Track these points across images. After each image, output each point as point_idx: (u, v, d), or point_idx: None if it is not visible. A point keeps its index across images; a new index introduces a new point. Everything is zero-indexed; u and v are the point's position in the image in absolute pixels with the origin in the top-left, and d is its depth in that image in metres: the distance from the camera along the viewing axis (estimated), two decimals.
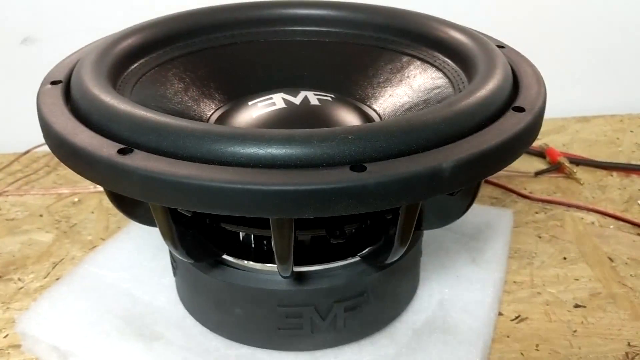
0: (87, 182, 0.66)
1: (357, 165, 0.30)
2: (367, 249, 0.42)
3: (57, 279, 0.52)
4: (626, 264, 0.53)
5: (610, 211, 0.60)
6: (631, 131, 0.77)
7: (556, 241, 0.57)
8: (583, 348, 0.45)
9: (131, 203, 0.41)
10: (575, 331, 0.46)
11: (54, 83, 0.40)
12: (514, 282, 0.51)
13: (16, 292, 0.51)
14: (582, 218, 0.60)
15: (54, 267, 0.54)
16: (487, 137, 0.33)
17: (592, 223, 0.59)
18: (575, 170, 0.66)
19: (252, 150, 0.31)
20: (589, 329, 0.46)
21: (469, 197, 0.40)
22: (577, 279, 0.52)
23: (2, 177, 0.67)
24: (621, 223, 0.59)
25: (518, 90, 0.39)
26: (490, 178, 0.65)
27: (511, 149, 0.34)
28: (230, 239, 0.42)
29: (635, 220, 0.59)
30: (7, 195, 0.64)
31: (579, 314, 0.48)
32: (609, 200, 0.63)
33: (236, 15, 0.50)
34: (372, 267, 0.42)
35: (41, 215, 0.61)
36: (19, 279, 0.52)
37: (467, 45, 0.44)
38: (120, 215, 0.59)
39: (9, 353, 0.45)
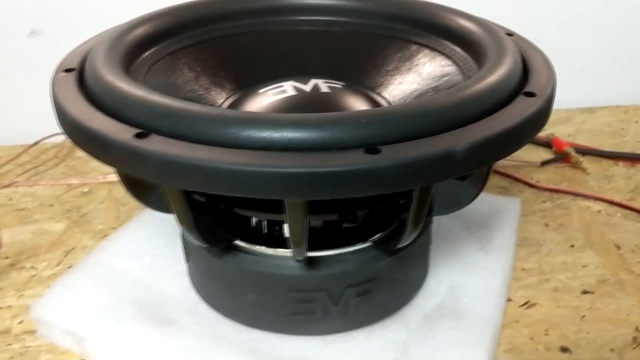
0: (96, 173, 0.66)
1: (370, 148, 0.31)
2: (378, 234, 0.42)
3: (70, 267, 0.52)
4: (633, 251, 0.54)
5: (617, 200, 0.60)
6: (636, 122, 0.77)
7: (563, 229, 0.57)
8: (592, 333, 0.45)
9: (145, 189, 0.42)
10: (583, 316, 0.47)
11: (67, 71, 0.41)
12: (522, 269, 0.52)
13: (29, 279, 0.51)
14: (589, 207, 0.60)
15: (65, 256, 0.54)
16: (500, 121, 0.34)
17: (599, 212, 0.60)
18: (581, 160, 0.66)
19: (266, 134, 0.31)
20: (597, 315, 0.47)
21: (479, 183, 0.40)
22: (585, 266, 0.52)
23: (11, 169, 0.68)
24: (628, 211, 0.59)
25: (528, 76, 0.39)
26: (498, 167, 0.65)
27: (523, 132, 0.34)
28: (244, 224, 0.43)
29: None
30: (17, 186, 0.64)
31: (587, 300, 0.48)
32: (615, 189, 0.63)
33: (246, 5, 0.51)
34: (383, 252, 0.42)
35: (51, 205, 0.61)
36: (32, 267, 0.53)
37: (476, 32, 0.44)
38: (130, 204, 0.60)
39: (24, 338, 0.45)
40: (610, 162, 0.68)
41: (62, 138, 0.72)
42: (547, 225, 0.57)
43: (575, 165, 0.67)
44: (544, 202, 0.61)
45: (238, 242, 0.42)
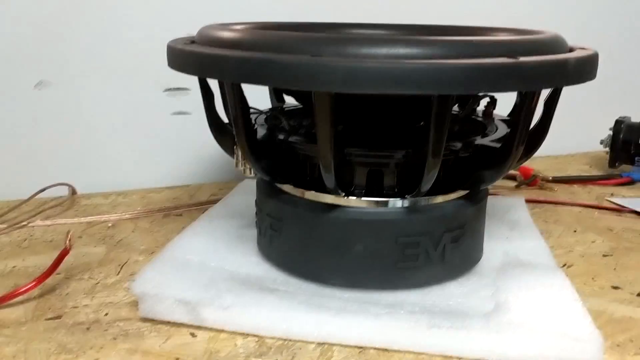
0: (112, 214, 0.65)
1: (511, 56, 0.38)
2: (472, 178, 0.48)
3: (131, 275, 0.51)
4: (624, 231, 0.63)
5: (590, 203, 0.71)
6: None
7: (561, 223, 0.65)
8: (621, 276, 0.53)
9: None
10: (615, 269, 0.54)
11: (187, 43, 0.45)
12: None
13: (94, 286, 0.50)
14: (571, 209, 0.70)
15: (121, 267, 0.53)
16: (579, 53, 0.42)
17: (580, 212, 0.69)
18: (550, 179, 0.77)
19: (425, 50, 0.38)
20: (625, 267, 0.55)
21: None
22: (594, 241, 0.60)
23: (17, 215, 0.65)
24: (602, 210, 0.70)
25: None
26: None
27: (594, 61, 0.43)
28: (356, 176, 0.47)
29: (612, 207, 0.70)
30: (33, 226, 0.62)
31: (610, 260, 0.56)
32: (582, 200, 0.73)
33: None
34: (469, 202, 0.48)
35: (80, 237, 0.60)
36: (90, 278, 0.51)
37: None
38: (164, 230, 0.60)
39: (118, 325, 0.44)
40: (567, 185, 0.79)
41: (63, 190, 0.70)
42: (546, 222, 0.66)
43: (542, 187, 0.77)
44: (532, 209, 0.70)
45: (349, 198, 0.45)
